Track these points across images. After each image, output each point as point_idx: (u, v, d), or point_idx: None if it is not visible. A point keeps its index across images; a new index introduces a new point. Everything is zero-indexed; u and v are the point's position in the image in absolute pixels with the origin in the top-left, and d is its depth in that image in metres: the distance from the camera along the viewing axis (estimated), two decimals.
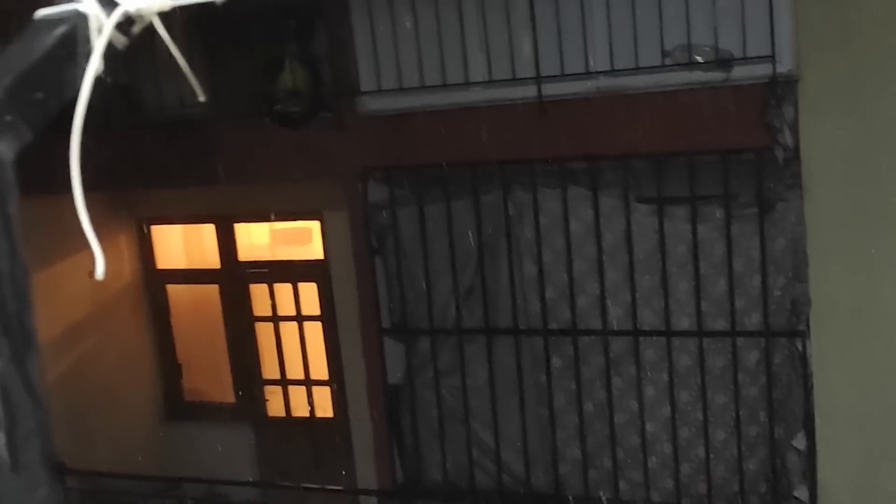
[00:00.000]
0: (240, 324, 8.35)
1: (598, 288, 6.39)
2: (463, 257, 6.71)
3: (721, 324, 6.17)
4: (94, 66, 0.89)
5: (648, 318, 6.33)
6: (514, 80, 6.36)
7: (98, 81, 0.89)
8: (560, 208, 6.44)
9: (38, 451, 0.85)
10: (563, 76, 6.23)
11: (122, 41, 0.93)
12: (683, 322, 6.26)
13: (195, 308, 8.62)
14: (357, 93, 6.82)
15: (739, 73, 5.88)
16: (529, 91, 6.30)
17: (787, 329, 5.97)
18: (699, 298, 6.18)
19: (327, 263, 7.84)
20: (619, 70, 6.10)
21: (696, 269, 6.16)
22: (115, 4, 0.91)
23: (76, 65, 0.89)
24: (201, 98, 1.13)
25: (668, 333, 6.28)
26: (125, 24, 0.92)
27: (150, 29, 0.98)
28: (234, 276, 8.32)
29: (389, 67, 6.66)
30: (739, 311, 6.11)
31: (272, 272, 8.21)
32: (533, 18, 6.23)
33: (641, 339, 6.35)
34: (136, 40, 0.95)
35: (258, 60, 6.91)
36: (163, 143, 7.20)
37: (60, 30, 0.89)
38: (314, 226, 8.04)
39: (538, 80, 6.26)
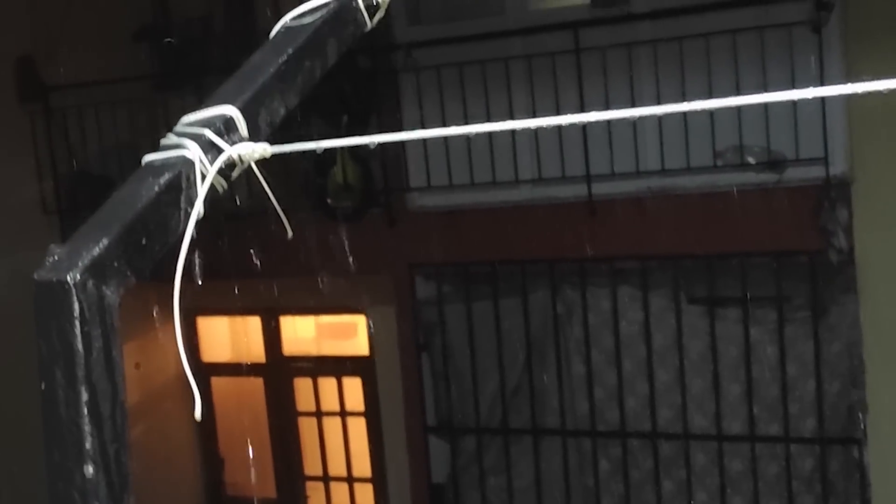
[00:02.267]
0: (283, 418, 8.30)
1: (647, 389, 6.30)
2: (510, 356, 6.65)
3: (774, 429, 6.05)
4: (197, 211, 0.88)
5: (699, 421, 6.23)
6: (564, 179, 6.37)
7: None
8: (609, 308, 6.39)
9: None
10: (614, 175, 6.23)
11: (222, 184, 0.92)
12: (735, 426, 6.14)
13: (239, 401, 8.59)
14: (407, 189, 6.85)
15: (792, 174, 5.85)
16: (579, 190, 6.30)
17: (843, 436, 5.84)
18: (751, 402, 6.07)
19: (372, 359, 7.81)
20: (669, 170, 6.09)
21: (749, 372, 6.06)
22: (219, 150, 0.90)
23: (179, 209, 0.88)
24: (290, 235, 1.12)
25: (720, 438, 6.16)
26: (226, 168, 0.91)
27: None
28: (279, 370, 8.30)
29: (439, 164, 6.70)
30: (793, 416, 5.99)
31: (317, 366, 8.18)
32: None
33: (692, 442, 6.24)
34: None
35: (311, 154, 6.98)
36: (212, 234, 7.26)
37: (167, 177, 0.88)
38: (360, 320, 8.02)
39: (588, 179, 6.26)
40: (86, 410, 0.80)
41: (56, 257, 0.83)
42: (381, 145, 6.01)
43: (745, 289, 6.02)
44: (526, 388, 6.66)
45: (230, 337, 8.83)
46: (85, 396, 0.80)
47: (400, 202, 6.88)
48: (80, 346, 0.80)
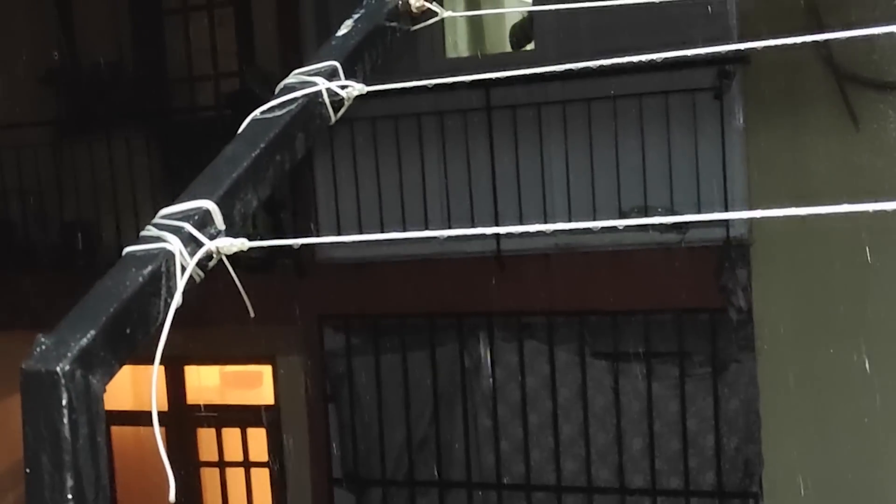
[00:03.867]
0: (185, 468, 8.18)
1: (552, 442, 6.40)
2: (418, 408, 6.70)
3: (676, 482, 6.19)
4: (177, 301, 0.93)
5: (603, 473, 6.34)
6: (474, 234, 6.45)
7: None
8: (516, 361, 6.49)
9: None
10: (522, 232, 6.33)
11: (199, 274, 0.96)
12: (638, 479, 6.27)
13: (140, 450, 8.45)
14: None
15: (694, 235, 6.04)
16: (488, 245, 6.40)
17: (741, 490, 6.00)
18: (653, 456, 6.20)
19: (278, 409, 7.76)
20: (576, 228, 6.22)
21: (651, 426, 6.20)
22: (199, 244, 0.95)
23: (160, 299, 0.93)
24: (252, 314, 1.17)
25: (622, 491, 6.28)
26: (203, 260, 0.96)
27: None
28: (182, 419, 8.19)
29: (350, 216, 6.74)
30: (693, 470, 6.14)
31: (221, 416, 8.10)
32: (493, 175, 6.37)
33: (596, 495, 6.34)
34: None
35: None
36: None
37: (149, 269, 0.92)
38: (266, 370, 7.98)
39: (497, 235, 6.36)
40: (71, 495, 0.83)
41: (44, 346, 0.86)
42: (293, 194, 6.00)
43: (648, 345, 6.18)
44: (433, 441, 6.70)
45: (132, 385, 8.70)
46: (70, 482, 0.83)
47: (310, 253, 6.90)
48: (67, 433, 0.83)
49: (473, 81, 5.61)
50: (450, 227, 6.57)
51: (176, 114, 7.93)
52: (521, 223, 6.35)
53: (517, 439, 6.50)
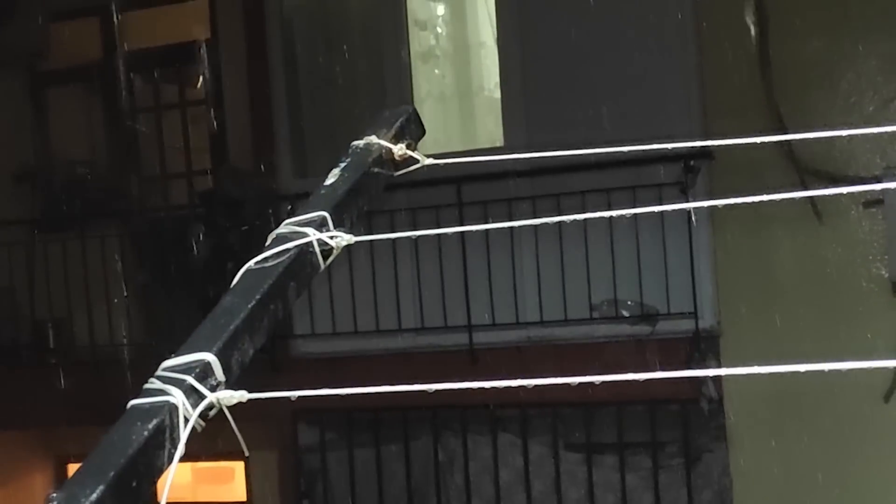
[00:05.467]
0: None
1: None
2: (392, 502, 6.68)
3: None
4: (180, 452, 0.98)
5: None
6: (446, 328, 6.52)
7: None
8: (490, 454, 6.51)
9: None
10: (494, 325, 6.42)
11: (201, 425, 1.02)
12: None
13: None
14: (291, 335, 6.91)
15: (664, 327, 6.13)
16: (461, 339, 6.46)
17: None
18: None
19: None
20: (548, 321, 6.31)
21: None
22: (201, 396, 1.01)
23: (164, 450, 0.98)
24: (246, 453, 1.22)
25: None
26: (205, 411, 1.02)
27: None
28: None
29: (324, 311, 6.79)
30: None
31: None
32: (465, 269, 6.45)
33: None
34: None
35: (195, 297, 7.00)
36: (86, 379, 7.14)
37: (154, 422, 0.98)
38: (238, 466, 7.93)
39: (469, 328, 6.43)
40: None
41: None
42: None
43: (620, 436, 6.22)
44: None
45: None
46: None
47: (284, 348, 6.92)
48: None
49: (447, 179, 5.69)
50: (422, 323, 6.63)
51: (149, 211, 7.99)
52: (493, 317, 6.43)
53: None
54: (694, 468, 6.15)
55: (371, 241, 1.26)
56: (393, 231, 6.64)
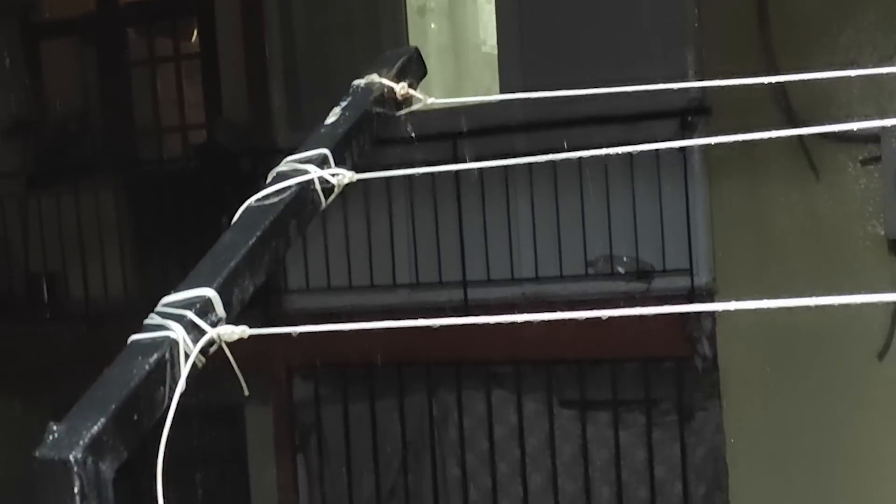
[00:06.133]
0: None
1: (521, 491, 6.42)
2: (386, 458, 6.71)
3: None
4: (180, 388, 0.97)
5: None
6: (441, 284, 6.52)
7: None
8: (484, 411, 6.53)
9: None
10: (489, 281, 6.41)
11: (201, 361, 1.01)
12: None
13: None
14: (285, 290, 6.90)
15: (660, 284, 6.12)
16: (456, 295, 6.46)
17: None
18: None
19: (247, 459, 7.73)
20: (543, 277, 6.31)
21: (619, 474, 6.25)
22: (201, 331, 0.99)
23: (164, 385, 0.97)
24: (246, 393, 1.21)
25: None
26: (205, 347, 1.01)
27: None
28: None
29: (318, 266, 6.78)
30: None
31: None
32: (461, 225, 6.44)
33: None
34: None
35: (190, 251, 6.98)
36: (80, 333, 7.12)
37: (154, 357, 0.97)
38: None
39: (464, 284, 6.42)
40: None
41: (55, 435, 0.90)
42: None
43: (615, 393, 6.24)
44: (401, 490, 6.71)
45: None
46: None
47: (277, 303, 6.92)
48: None
49: (442, 135, 5.64)
50: (417, 279, 6.62)
51: (143, 165, 7.96)
52: (488, 274, 6.42)
53: (486, 489, 6.52)
54: (687, 426, 6.17)
55: (372, 178, 1.25)
56: (389, 191, 6.64)
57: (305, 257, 6.80)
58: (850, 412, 5.72)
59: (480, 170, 6.38)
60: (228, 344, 1.03)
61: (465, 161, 6.36)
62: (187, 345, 0.98)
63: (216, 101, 7.78)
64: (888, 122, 1.34)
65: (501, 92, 6.92)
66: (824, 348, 5.70)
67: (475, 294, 6.43)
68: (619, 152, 1.34)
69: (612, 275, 6.18)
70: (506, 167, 6.39)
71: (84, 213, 7.12)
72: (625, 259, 6.22)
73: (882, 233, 5.64)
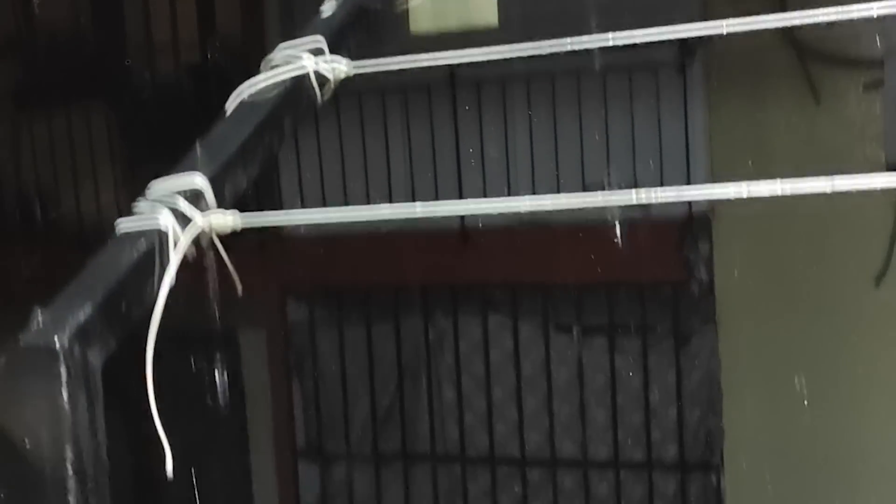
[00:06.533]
0: None
1: (516, 415, 6.45)
2: (381, 381, 6.72)
3: (639, 454, 6.26)
4: (170, 278, 0.94)
5: (567, 446, 6.40)
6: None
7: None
8: (480, 335, 6.52)
9: None
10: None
11: (192, 253, 0.97)
12: (602, 451, 6.33)
13: None
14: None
15: (657, 209, 6.07)
16: (452, 220, 6.40)
17: (702, 462, 6.08)
18: (616, 428, 6.27)
19: (241, 383, 7.75)
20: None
21: (614, 399, 6.26)
22: (190, 220, 0.96)
23: (153, 276, 0.94)
24: (239, 292, 1.18)
25: (586, 464, 6.34)
26: (195, 237, 0.97)
27: None
28: None
29: (313, 189, 6.73)
30: (656, 442, 6.22)
31: None
32: (457, 147, 6.38)
33: (559, 468, 6.41)
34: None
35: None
36: (72, 255, 7.11)
37: (143, 245, 0.93)
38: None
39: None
40: (71, 469, 0.84)
41: (41, 322, 0.87)
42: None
43: (610, 318, 6.23)
44: (397, 414, 6.73)
45: None
46: (70, 455, 0.84)
47: (273, 226, 6.87)
48: (66, 408, 0.84)
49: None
50: (413, 201, 6.58)
51: (135, 83, 7.85)
52: (486, 197, 6.36)
53: (481, 412, 6.55)
54: (683, 350, 6.17)
55: (372, 73, 1.19)
56: (385, 115, 6.57)
57: (300, 180, 6.75)
58: (845, 337, 5.72)
59: (478, 94, 6.32)
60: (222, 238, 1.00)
61: (460, 86, 6.30)
62: (176, 234, 0.95)
63: (210, 19, 7.66)
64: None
65: (500, 12, 6.81)
66: (820, 274, 5.69)
67: (471, 219, 6.38)
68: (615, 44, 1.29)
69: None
70: (503, 92, 6.33)
71: (75, 132, 7.05)
72: (622, 185, 6.17)
73: (882, 158, 5.59)
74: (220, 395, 7.44)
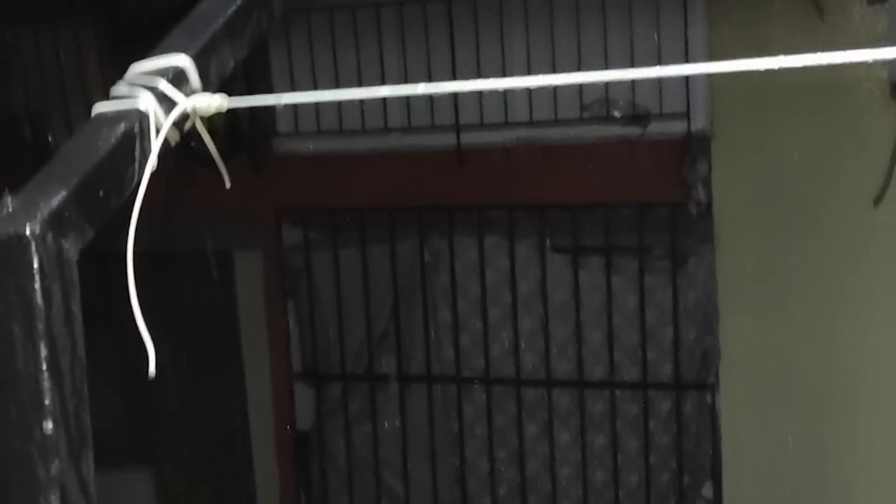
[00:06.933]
0: None
1: (512, 336, 6.43)
2: (377, 303, 6.68)
3: (635, 373, 6.26)
4: (152, 163, 0.87)
5: (563, 366, 6.39)
6: (433, 128, 6.39)
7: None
8: (476, 256, 6.48)
9: None
10: (482, 125, 6.28)
11: (174, 137, 0.90)
12: (598, 371, 6.33)
13: None
14: (274, 133, 6.76)
15: (656, 128, 6.00)
16: (448, 139, 6.33)
17: (698, 381, 6.08)
18: (612, 349, 6.25)
19: (236, 305, 7.71)
20: (538, 121, 6.18)
21: (610, 319, 6.24)
22: (173, 103, 0.89)
23: (134, 161, 0.87)
24: (227, 185, 1.11)
25: (581, 384, 6.34)
26: (178, 121, 0.90)
27: None
28: None
29: (308, 109, 6.63)
30: (652, 362, 6.21)
31: None
32: (453, 67, 6.27)
33: (555, 388, 6.40)
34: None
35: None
36: None
37: (122, 128, 0.86)
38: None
39: (457, 128, 6.29)
40: (45, 366, 0.78)
41: (11, 208, 0.80)
42: (248, 86, 5.91)
43: (607, 239, 6.18)
44: (392, 336, 6.70)
45: None
46: (45, 352, 0.78)
47: (266, 146, 6.79)
48: (40, 300, 0.78)
49: None
50: (409, 122, 6.49)
51: (126, 2, 7.69)
52: (482, 117, 6.28)
53: (477, 334, 6.53)
54: (680, 271, 6.14)
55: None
56: (379, 29, 6.44)
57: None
58: (843, 258, 5.68)
59: (475, 9, 6.20)
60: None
61: (456, 2, 6.17)
62: (158, 117, 0.88)
63: None
64: None
65: None
66: (819, 193, 5.63)
67: (468, 138, 6.31)
68: None
69: (608, 118, 6.05)
70: (500, 8, 6.20)
71: (65, 52, 6.92)
72: (621, 103, 6.08)
73: (885, 76, 5.50)
74: (214, 316, 7.42)
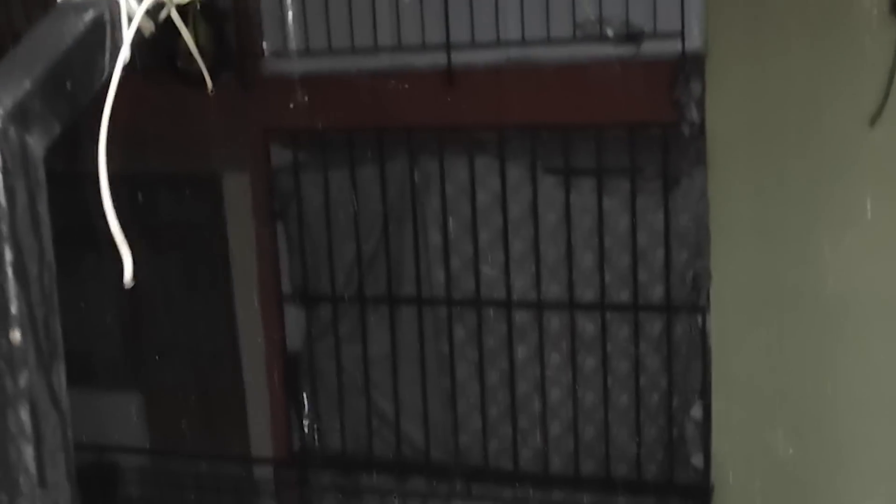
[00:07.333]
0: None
1: (503, 258, 6.39)
2: (367, 224, 6.64)
3: (625, 295, 6.24)
4: (125, 55, 0.81)
5: (554, 288, 6.37)
6: (423, 48, 6.29)
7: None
8: (467, 177, 6.42)
9: (63, 467, 0.78)
10: (473, 44, 6.18)
11: (149, 28, 0.85)
12: (588, 293, 6.31)
13: None
14: (262, 53, 6.65)
15: (649, 48, 5.91)
16: (439, 59, 6.24)
17: (688, 303, 6.07)
18: (603, 271, 6.23)
19: (225, 227, 7.66)
20: (529, 41, 6.08)
21: (601, 241, 6.20)
22: None
23: (105, 52, 0.81)
24: (211, 91, 1.06)
25: (572, 306, 6.32)
26: (152, 11, 0.84)
27: None
28: None
29: (296, 29, 6.51)
30: (643, 284, 6.19)
31: None
32: None
33: (545, 310, 6.39)
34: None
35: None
36: None
37: (91, 14, 0.80)
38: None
39: (447, 47, 6.19)
40: (11, 271, 0.73)
41: None
42: (236, 7, 5.78)
43: (599, 160, 6.12)
44: (382, 257, 6.67)
45: None
46: (10, 256, 0.73)
47: (254, 66, 6.68)
48: (3, 200, 0.72)
49: None
50: (399, 42, 6.39)
51: None
52: (473, 36, 6.18)
53: (467, 255, 6.49)
54: (672, 192, 6.09)
55: None
56: None
57: (283, 19, 6.53)
58: (837, 179, 5.63)
59: None
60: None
61: None
62: (130, 4, 0.82)
63: None
64: None
65: None
66: (814, 114, 5.57)
67: (459, 58, 6.21)
68: None
69: (601, 38, 5.95)
70: None
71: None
72: (615, 21, 5.98)
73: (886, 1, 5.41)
74: (204, 238, 7.37)
